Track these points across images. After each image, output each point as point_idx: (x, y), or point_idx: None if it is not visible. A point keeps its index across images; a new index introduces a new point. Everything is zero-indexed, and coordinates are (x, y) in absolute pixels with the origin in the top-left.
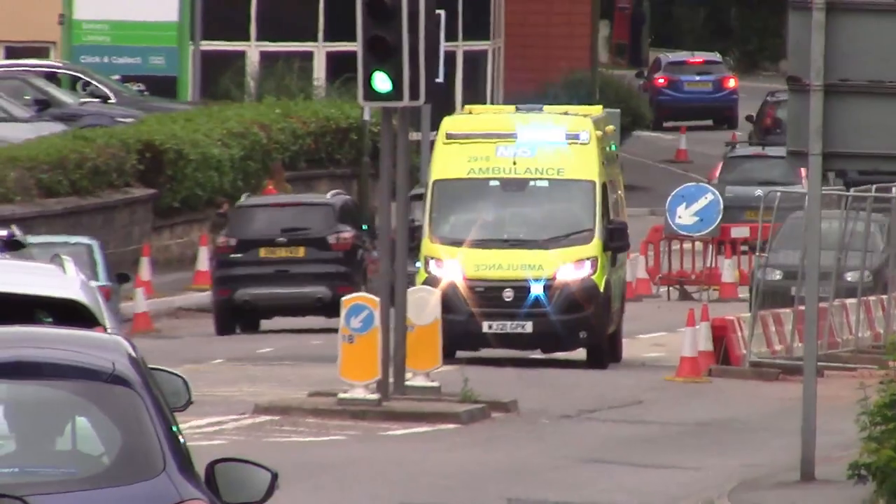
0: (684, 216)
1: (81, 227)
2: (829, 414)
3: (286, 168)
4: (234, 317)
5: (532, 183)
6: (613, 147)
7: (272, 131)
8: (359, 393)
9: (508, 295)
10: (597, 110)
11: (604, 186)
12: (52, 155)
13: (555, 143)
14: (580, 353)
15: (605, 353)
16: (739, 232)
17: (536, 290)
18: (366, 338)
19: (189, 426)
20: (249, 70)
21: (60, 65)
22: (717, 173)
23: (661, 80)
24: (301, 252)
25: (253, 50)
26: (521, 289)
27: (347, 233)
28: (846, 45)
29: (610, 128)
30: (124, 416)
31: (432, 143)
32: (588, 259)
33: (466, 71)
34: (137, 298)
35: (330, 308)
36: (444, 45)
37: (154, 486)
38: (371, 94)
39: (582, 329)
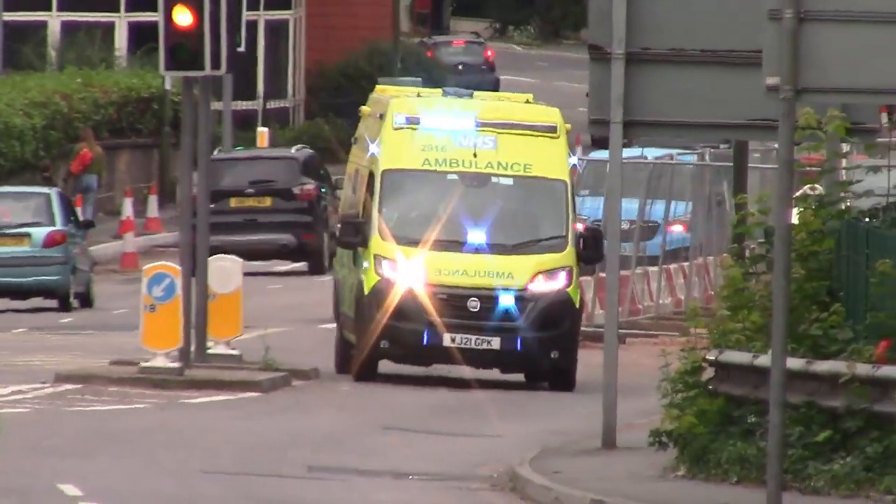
0: None
1: None
2: (631, 381)
3: (84, 137)
4: None
5: (495, 179)
6: None
7: (74, 101)
8: (160, 361)
9: (474, 305)
10: (527, 97)
11: (573, 187)
12: None
13: (520, 135)
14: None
15: (573, 375)
16: None
17: (506, 301)
18: (168, 307)
19: None
20: (51, 40)
21: None
22: None
23: None
24: (268, 202)
25: (55, 20)
26: (489, 298)
27: (311, 185)
28: (648, 14)
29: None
30: None
31: (235, 112)
32: (563, 269)
33: (268, 40)
34: None
35: (294, 254)
36: (245, 15)
37: None
38: (172, 64)
39: (554, 348)
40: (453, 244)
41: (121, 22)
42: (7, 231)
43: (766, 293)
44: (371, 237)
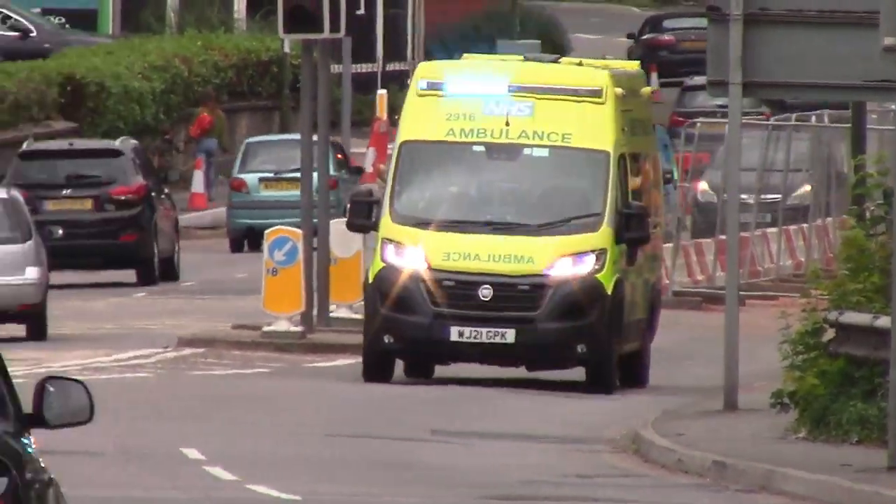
0: None
1: (1, 161)
2: (751, 343)
3: (204, 100)
4: None
5: (528, 151)
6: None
7: (193, 64)
8: (283, 325)
9: (486, 293)
10: (632, 66)
11: (622, 159)
12: None
13: (560, 100)
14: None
15: (610, 373)
16: None
17: (523, 288)
18: (289, 271)
19: (112, 359)
20: (170, 2)
21: None
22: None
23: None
24: None
25: None
26: (503, 286)
27: None
28: None
29: (646, 89)
30: None
31: (354, 75)
32: (593, 252)
33: (387, 3)
34: None
35: None
36: None
37: None
38: (291, 27)
39: (580, 341)
40: (470, 225)
41: None
42: (285, 176)
43: (886, 254)
44: (381, 218)
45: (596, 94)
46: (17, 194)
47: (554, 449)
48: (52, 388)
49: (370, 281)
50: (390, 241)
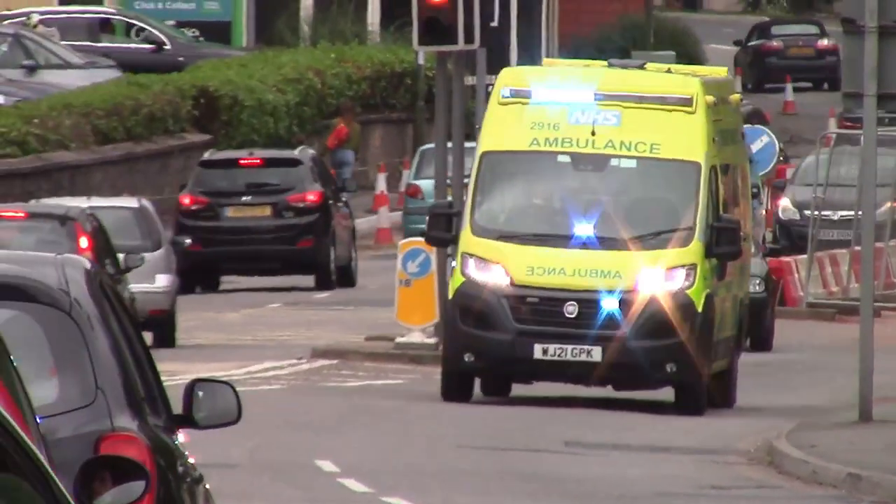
0: None
1: (137, 174)
2: (886, 354)
3: (343, 111)
4: None
5: (615, 161)
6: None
7: (327, 77)
8: (416, 337)
9: (571, 310)
10: (719, 72)
11: (713, 171)
12: (107, 101)
13: (648, 108)
14: (667, 394)
15: (701, 393)
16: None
17: (610, 304)
18: (423, 282)
19: (246, 371)
20: (303, 15)
21: (115, 11)
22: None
23: None
24: None
25: None
26: (589, 302)
27: None
28: None
29: (735, 97)
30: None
31: (488, 87)
32: (683, 267)
33: (521, 14)
34: None
35: None
36: None
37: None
38: (426, 38)
39: (670, 360)
40: (555, 238)
41: None
42: None
43: None
44: (462, 232)
45: (686, 102)
46: (147, 204)
47: (688, 460)
48: (200, 392)
49: (450, 297)
50: (471, 255)
